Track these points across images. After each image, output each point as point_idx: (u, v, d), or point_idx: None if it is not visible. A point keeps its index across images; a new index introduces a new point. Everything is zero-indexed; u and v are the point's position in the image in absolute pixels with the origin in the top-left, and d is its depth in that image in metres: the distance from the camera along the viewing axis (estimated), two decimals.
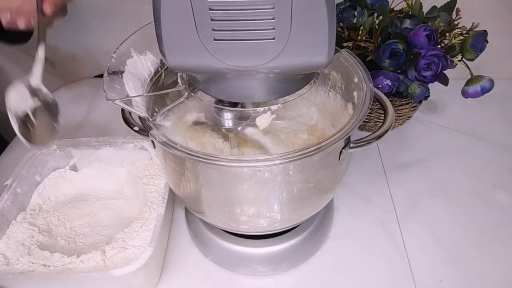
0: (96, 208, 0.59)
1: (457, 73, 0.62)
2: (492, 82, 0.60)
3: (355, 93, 0.46)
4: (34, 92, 0.48)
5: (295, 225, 0.52)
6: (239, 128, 0.45)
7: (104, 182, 0.62)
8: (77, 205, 0.60)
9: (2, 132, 0.85)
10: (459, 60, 0.61)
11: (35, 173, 0.58)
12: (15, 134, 0.53)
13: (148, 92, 0.45)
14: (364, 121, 0.69)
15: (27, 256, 0.49)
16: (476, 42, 0.59)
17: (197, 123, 0.50)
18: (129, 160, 0.61)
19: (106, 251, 0.50)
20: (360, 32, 0.61)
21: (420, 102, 0.64)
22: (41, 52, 0.48)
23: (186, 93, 0.44)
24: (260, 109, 0.42)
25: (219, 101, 0.42)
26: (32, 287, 0.47)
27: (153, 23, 0.34)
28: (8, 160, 0.71)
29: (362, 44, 0.61)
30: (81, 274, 0.45)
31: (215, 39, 0.33)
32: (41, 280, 0.47)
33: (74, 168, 0.62)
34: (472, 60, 0.61)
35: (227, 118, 0.43)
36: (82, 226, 0.56)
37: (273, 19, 0.32)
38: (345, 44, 0.63)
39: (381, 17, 0.60)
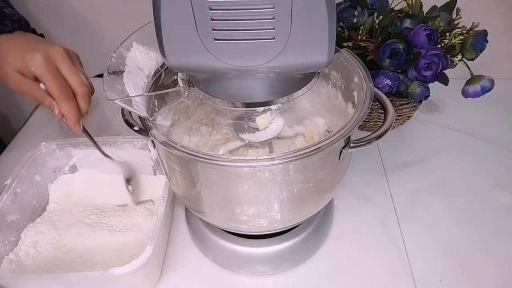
0: (96, 208, 0.59)
1: (457, 73, 0.62)
2: (492, 82, 0.60)
3: (355, 93, 0.46)
4: None
5: (295, 225, 0.52)
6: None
7: (104, 182, 0.62)
8: (76, 205, 0.60)
9: (1, 134, 0.85)
10: (459, 60, 0.61)
11: (35, 173, 0.58)
12: (13, 136, 0.53)
13: (148, 92, 0.45)
14: (364, 121, 0.69)
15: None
16: (476, 41, 0.59)
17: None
18: (129, 160, 0.61)
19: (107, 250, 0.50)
20: (360, 31, 0.61)
21: (420, 101, 0.64)
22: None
23: (186, 93, 0.44)
24: (260, 108, 0.42)
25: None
26: (32, 286, 0.47)
27: (153, 22, 0.34)
28: (8, 160, 0.71)
29: (362, 44, 0.61)
30: (81, 273, 0.44)
31: (215, 39, 0.33)
32: (41, 279, 0.47)
33: (73, 168, 0.62)
34: (472, 59, 0.61)
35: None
36: (83, 227, 0.56)
37: (273, 18, 0.32)
38: (345, 44, 0.63)
39: (381, 16, 0.60)
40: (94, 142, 0.56)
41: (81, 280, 0.44)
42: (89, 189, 0.62)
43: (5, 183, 0.54)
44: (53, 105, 0.49)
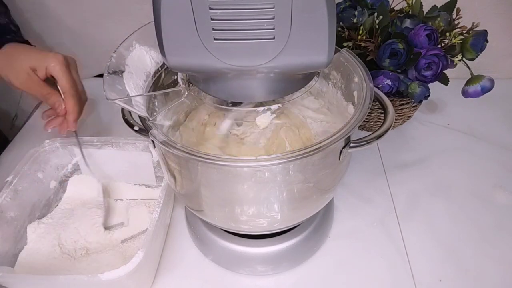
0: (96, 209, 0.59)
1: (457, 73, 0.62)
2: (492, 82, 0.60)
3: (355, 93, 0.46)
4: None
5: (295, 225, 0.52)
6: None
7: (106, 181, 0.62)
8: (77, 205, 0.60)
9: (4, 130, 0.85)
10: (459, 60, 0.61)
11: (37, 170, 0.58)
12: (16, 132, 0.53)
13: (148, 92, 0.45)
14: (364, 121, 0.70)
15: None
16: (476, 41, 0.59)
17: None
18: (130, 161, 0.61)
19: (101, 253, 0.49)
20: (360, 31, 0.61)
21: (420, 101, 0.64)
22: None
23: (186, 93, 0.44)
24: (260, 108, 0.42)
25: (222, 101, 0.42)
26: (21, 286, 0.47)
27: (153, 22, 0.34)
28: (10, 158, 0.71)
29: (362, 44, 0.61)
30: (69, 277, 0.44)
31: (215, 39, 0.33)
32: (28, 280, 0.46)
33: (76, 166, 0.62)
34: (472, 59, 0.61)
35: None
36: (85, 227, 0.56)
37: (273, 18, 0.32)
38: (345, 44, 0.63)
39: (381, 16, 0.59)
40: (80, 146, 0.59)
41: (70, 282, 0.44)
42: (91, 188, 0.62)
43: (6, 179, 0.54)
44: (58, 101, 0.56)
